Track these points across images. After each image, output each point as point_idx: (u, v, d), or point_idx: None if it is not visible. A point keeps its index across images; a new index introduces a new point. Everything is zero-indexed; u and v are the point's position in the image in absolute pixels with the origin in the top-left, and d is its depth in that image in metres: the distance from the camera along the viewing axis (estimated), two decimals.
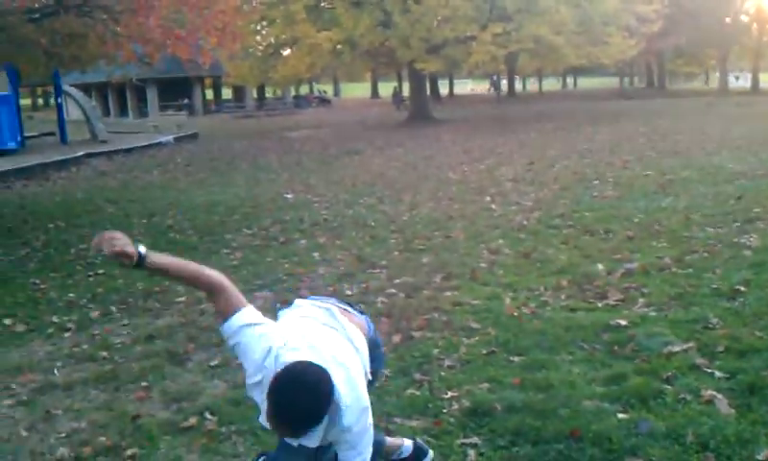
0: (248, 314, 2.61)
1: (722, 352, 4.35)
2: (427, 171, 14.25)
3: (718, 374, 4.04)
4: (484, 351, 4.66)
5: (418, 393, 4.11)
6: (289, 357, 2.42)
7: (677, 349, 4.40)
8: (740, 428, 3.41)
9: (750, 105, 31.22)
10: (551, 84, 74.46)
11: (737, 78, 64.73)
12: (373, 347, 2.83)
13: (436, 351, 4.72)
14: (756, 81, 50.89)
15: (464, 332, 5.05)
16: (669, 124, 22.36)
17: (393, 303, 5.78)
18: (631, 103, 37.75)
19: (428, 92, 36.69)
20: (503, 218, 9.11)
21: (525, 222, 8.74)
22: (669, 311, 5.17)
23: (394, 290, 6.16)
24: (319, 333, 2.61)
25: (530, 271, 6.59)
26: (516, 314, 5.34)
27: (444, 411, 3.86)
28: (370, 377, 2.69)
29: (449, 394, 4.06)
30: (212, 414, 4.06)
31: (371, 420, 2.53)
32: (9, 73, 21.43)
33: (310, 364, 2.37)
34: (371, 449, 2.55)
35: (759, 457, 3.19)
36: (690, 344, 4.47)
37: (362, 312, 2.98)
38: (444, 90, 60.18)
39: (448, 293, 6.03)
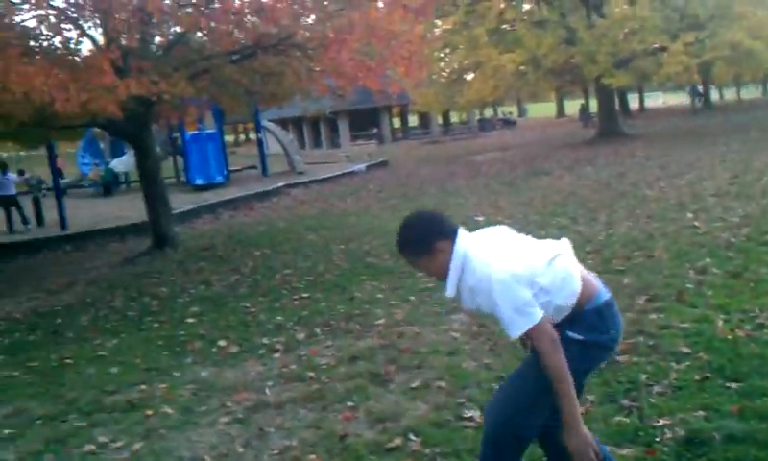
0: None
1: None
2: (621, 188, 13.76)
3: None
4: (697, 377, 4.40)
5: (626, 420, 3.96)
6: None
7: None
8: None
9: None
10: (751, 92, 69.83)
11: None
12: (604, 307, 2.97)
13: (644, 376, 4.52)
14: None
15: (673, 357, 4.80)
16: None
17: None
18: None
19: (617, 107, 35.53)
20: (708, 236, 8.59)
21: (733, 239, 8.19)
22: None
23: None
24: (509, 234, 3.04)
25: (742, 291, 6.15)
26: (730, 338, 5.01)
27: (657, 440, 3.68)
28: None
29: (661, 422, 3.87)
30: (416, 435, 4.12)
31: (504, 291, 2.73)
32: (214, 112, 23.09)
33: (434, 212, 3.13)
34: (515, 316, 2.73)
35: None
36: None
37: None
38: (633, 105, 58.10)
39: (653, 315, 5.77)
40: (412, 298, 7.37)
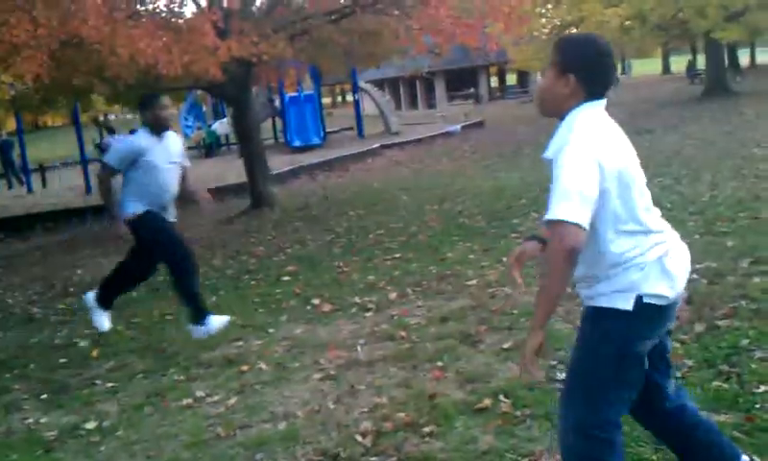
0: None
1: None
2: (728, 148, 13.17)
3: None
4: None
5: (725, 386, 3.81)
6: None
7: None
8: None
9: None
10: None
11: None
12: None
13: (745, 341, 4.33)
14: None
15: None
16: None
17: (694, 289, 5.39)
18: None
19: (726, 63, 33.91)
20: None
21: None
22: None
23: (695, 275, 5.74)
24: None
25: None
26: None
27: (757, 406, 3.54)
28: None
29: (762, 388, 3.71)
30: (506, 396, 4.09)
31: (566, 168, 2.36)
32: (312, 73, 23.30)
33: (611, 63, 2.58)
34: (564, 197, 2.33)
35: None
36: None
37: None
38: (744, 60, 55.35)
39: (758, 279, 5.51)
40: (504, 259, 7.30)
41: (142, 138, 5.86)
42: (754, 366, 4.00)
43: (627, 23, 26.71)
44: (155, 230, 5.84)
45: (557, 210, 2.34)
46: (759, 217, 7.51)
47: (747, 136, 14.38)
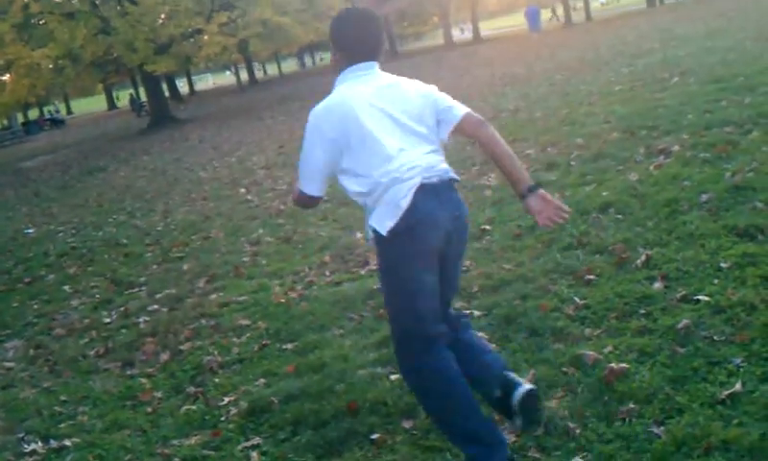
0: None
1: (477, 292, 4.55)
2: (177, 174, 13.80)
3: (477, 313, 4.20)
4: (256, 347, 4.53)
5: (193, 407, 3.91)
6: None
7: None
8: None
9: (473, 54, 33.19)
10: (290, 66, 75.02)
11: (463, 30, 68.56)
12: None
13: (207, 358, 4.52)
14: (476, 31, 54.12)
15: (234, 332, 4.89)
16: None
17: (156, 319, 5.48)
18: None
19: (167, 93, 35.52)
20: (260, 208, 8.98)
21: (282, 207, 8.64)
22: None
23: (156, 306, 5.85)
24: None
25: (293, 254, 6.52)
26: (284, 301, 5.26)
27: (222, 419, 3.70)
28: None
29: (226, 400, 3.90)
30: None
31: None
32: None
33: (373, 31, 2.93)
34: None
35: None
36: None
37: None
38: (184, 89, 58.76)
39: (214, 295, 5.82)
40: None
41: None
42: (217, 380, 4.19)
43: (60, 63, 26.19)
44: None
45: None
46: (210, 236, 7.98)
47: (192, 161, 15.25)
